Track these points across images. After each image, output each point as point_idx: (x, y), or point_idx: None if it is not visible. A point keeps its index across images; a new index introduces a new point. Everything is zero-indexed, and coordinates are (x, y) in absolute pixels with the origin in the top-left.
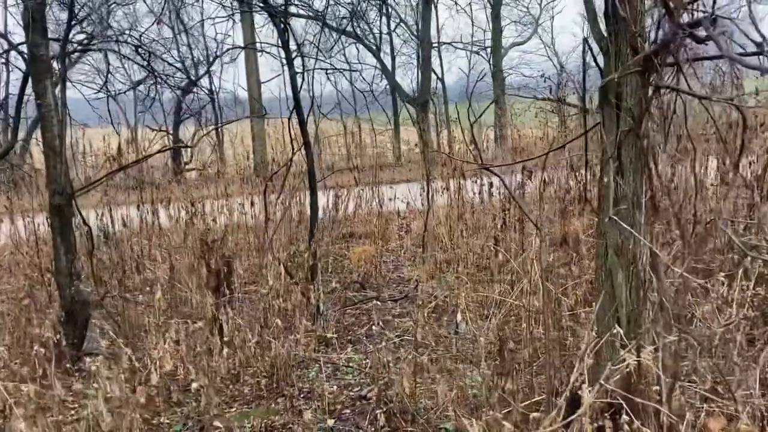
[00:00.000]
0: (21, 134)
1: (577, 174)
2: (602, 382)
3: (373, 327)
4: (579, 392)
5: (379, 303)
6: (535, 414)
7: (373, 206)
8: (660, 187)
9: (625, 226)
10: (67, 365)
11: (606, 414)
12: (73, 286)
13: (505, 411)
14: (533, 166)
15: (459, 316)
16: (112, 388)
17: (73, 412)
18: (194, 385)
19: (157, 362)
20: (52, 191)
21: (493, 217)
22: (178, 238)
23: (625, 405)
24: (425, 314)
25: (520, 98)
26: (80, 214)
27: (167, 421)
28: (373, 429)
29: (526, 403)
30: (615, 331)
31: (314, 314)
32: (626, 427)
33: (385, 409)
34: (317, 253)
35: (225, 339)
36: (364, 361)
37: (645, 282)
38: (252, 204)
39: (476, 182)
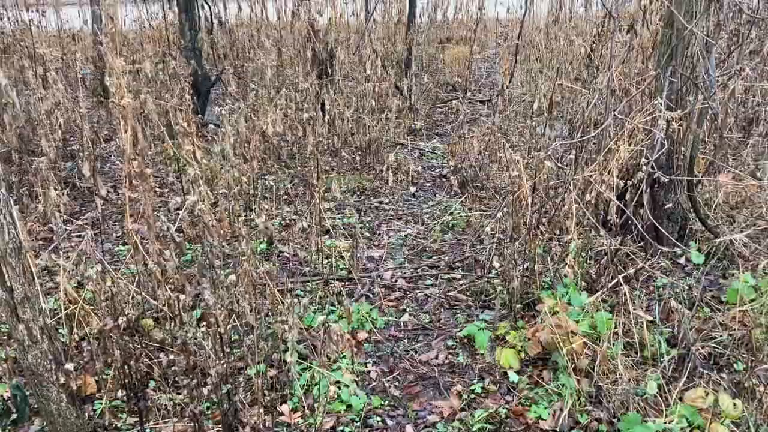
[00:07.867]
0: None
1: None
2: None
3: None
4: None
5: (465, 103)
6: None
7: (472, 11)
8: None
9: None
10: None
11: None
12: (195, 60)
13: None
14: None
15: (536, 105)
16: (227, 149)
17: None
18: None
19: (269, 126)
20: None
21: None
22: (285, 30)
23: None
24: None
25: None
26: None
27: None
28: (447, 195)
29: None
30: None
31: (405, 106)
32: None
33: (458, 177)
34: (412, 48)
35: (326, 116)
36: (447, 151)
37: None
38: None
39: None
